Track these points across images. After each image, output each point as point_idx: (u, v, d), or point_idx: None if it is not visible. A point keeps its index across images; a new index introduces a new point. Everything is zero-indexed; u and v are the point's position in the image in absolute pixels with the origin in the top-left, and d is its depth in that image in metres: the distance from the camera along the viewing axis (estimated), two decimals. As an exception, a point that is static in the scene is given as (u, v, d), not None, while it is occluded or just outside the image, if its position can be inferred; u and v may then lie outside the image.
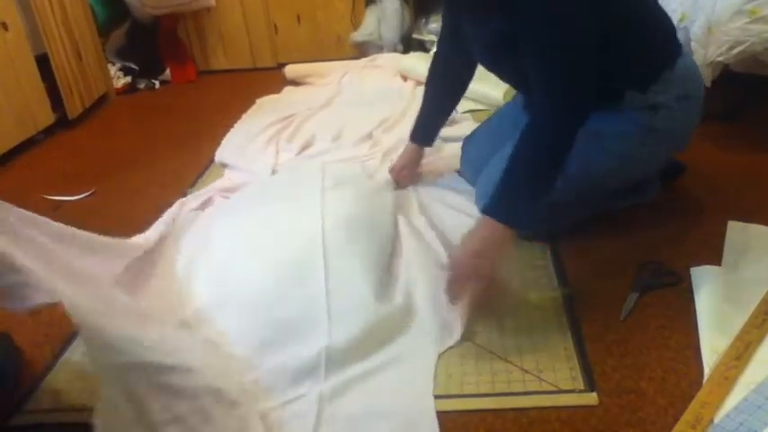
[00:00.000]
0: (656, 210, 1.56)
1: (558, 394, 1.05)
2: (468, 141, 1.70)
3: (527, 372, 1.10)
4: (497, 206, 1.17)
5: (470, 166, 1.64)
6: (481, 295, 1.20)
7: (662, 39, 1.35)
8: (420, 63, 2.52)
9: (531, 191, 1.18)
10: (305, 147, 2.05)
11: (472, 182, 1.61)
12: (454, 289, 1.19)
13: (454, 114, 2.04)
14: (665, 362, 1.11)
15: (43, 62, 2.38)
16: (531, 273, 1.36)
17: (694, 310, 1.19)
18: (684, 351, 1.12)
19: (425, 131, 1.71)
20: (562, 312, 1.24)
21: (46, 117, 2.39)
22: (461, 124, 2.12)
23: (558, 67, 1.16)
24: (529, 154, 1.18)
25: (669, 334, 1.17)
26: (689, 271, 1.29)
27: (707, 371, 1.06)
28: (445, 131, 1.82)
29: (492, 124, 1.68)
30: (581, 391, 1.05)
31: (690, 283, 1.26)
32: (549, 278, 1.34)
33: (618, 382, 1.07)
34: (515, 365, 1.12)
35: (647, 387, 1.06)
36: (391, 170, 1.74)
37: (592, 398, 1.04)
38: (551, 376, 1.08)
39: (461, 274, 1.18)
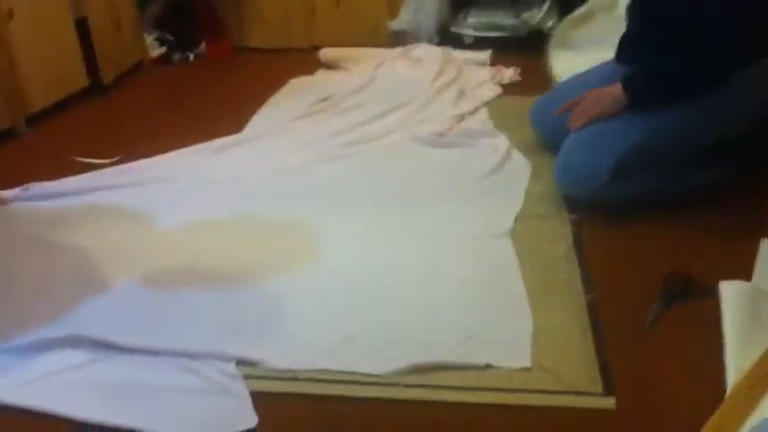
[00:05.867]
0: (689, 219, 1.54)
1: (575, 395, 1.04)
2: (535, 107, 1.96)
3: (546, 370, 1.08)
4: (634, 84, 1.51)
5: (538, 125, 1.94)
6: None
7: None
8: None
9: (663, 88, 1.51)
10: (337, 132, 2.07)
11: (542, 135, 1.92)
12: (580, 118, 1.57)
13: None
14: (687, 375, 1.09)
15: (80, 27, 2.38)
16: (556, 276, 1.35)
17: (721, 326, 1.17)
18: (708, 367, 1.10)
19: None
20: (585, 317, 1.22)
21: (81, 80, 2.41)
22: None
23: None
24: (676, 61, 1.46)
25: (694, 348, 1.15)
26: (717, 285, 1.26)
27: (729, 388, 1.04)
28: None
29: (555, 94, 1.90)
30: (599, 395, 1.04)
31: (718, 298, 1.23)
32: (574, 282, 1.33)
33: (637, 391, 1.06)
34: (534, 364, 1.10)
35: (666, 398, 1.04)
36: None
37: (609, 402, 1.03)
38: (570, 378, 1.07)
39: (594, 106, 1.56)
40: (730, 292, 1.22)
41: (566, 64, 2.40)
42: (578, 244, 1.46)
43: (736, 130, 1.56)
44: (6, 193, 1.66)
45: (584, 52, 2.33)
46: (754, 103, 1.53)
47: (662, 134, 1.53)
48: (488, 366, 1.09)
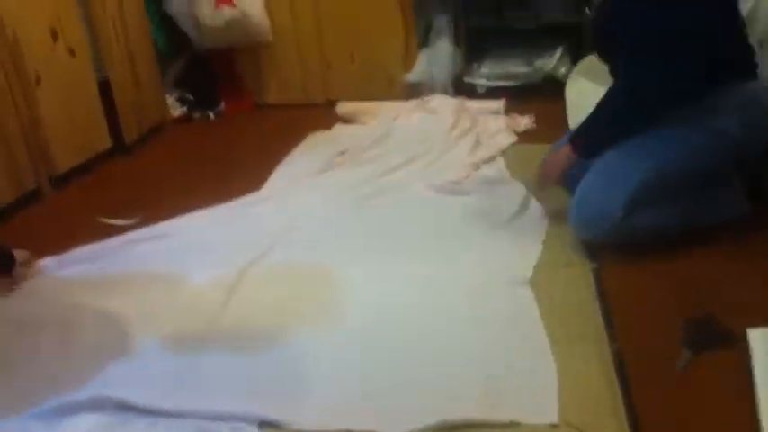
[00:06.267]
0: (711, 257, 1.52)
1: (605, 454, 1.01)
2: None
3: (573, 427, 1.06)
4: (579, 139, 1.62)
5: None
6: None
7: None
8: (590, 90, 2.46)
9: (608, 132, 1.58)
10: (356, 184, 2.10)
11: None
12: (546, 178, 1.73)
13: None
14: (718, 430, 1.06)
15: (102, 87, 2.46)
16: (578, 325, 1.33)
17: (751, 375, 1.14)
18: (740, 421, 1.06)
19: None
20: (610, 366, 1.20)
21: (104, 141, 2.47)
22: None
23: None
24: (607, 99, 1.57)
25: (725, 400, 1.11)
26: (745, 330, 1.23)
27: (765, 441, 1.01)
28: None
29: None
30: (629, 452, 1.01)
31: (747, 345, 1.20)
32: (597, 330, 1.30)
33: (668, 446, 1.03)
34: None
35: (699, 453, 1.01)
36: None
37: (641, 460, 1.00)
38: (598, 434, 1.04)
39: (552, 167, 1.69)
40: (760, 340, 1.19)
41: (581, 87, 2.46)
42: (600, 291, 1.44)
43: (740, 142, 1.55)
44: (40, 262, 1.69)
45: (600, 82, 2.37)
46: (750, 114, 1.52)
47: (668, 164, 1.54)
48: (514, 423, 1.07)
